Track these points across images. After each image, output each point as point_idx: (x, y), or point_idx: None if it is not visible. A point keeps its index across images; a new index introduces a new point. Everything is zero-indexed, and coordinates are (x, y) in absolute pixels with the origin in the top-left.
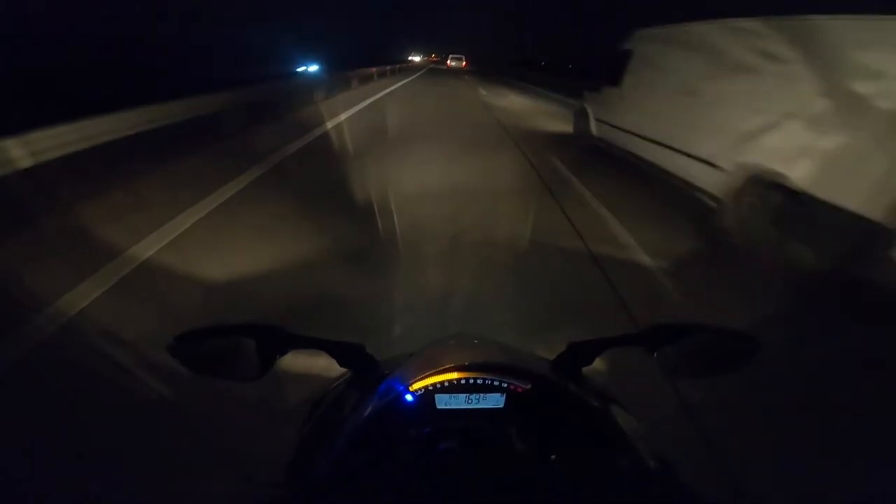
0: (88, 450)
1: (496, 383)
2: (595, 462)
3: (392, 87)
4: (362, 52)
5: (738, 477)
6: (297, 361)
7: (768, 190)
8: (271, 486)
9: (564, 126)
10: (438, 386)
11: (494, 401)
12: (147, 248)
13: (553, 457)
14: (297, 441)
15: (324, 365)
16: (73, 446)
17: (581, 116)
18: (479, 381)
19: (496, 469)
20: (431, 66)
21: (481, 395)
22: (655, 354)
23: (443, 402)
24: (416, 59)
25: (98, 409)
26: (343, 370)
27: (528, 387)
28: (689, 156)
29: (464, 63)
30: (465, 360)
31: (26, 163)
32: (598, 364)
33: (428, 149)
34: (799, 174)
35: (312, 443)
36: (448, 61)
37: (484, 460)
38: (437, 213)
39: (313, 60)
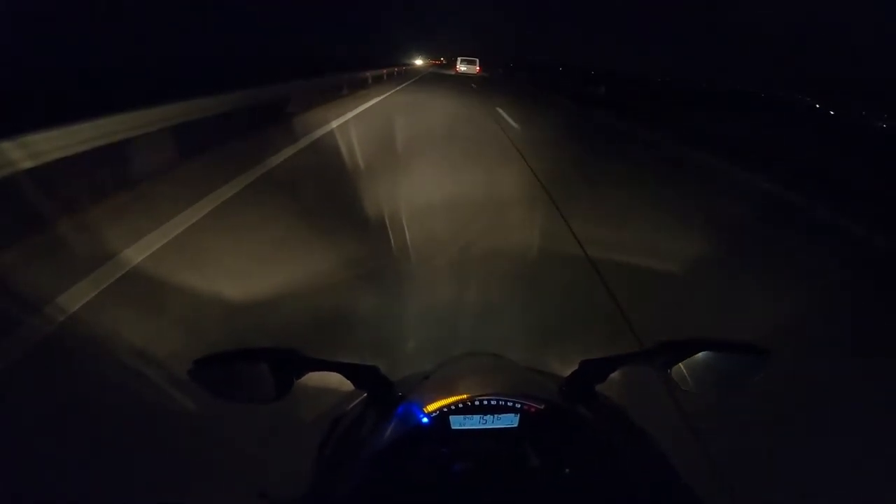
0: (95, 461)
1: (510, 404)
2: (608, 480)
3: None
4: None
5: (745, 493)
6: (310, 382)
7: None
8: (288, 503)
9: None
10: (453, 407)
11: (508, 421)
12: None
13: (566, 475)
14: (317, 463)
15: (336, 385)
16: (79, 457)
17: None
18: (493, 402)
19: (511, 488)
20: (433, 69)
21: (495, 415)
22: (668, 371)
23: (457, 422)
24: (419, 62)
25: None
26: (357, 391)
27: (542, 407)
28: None
29: (477, 69)
30: (480, 382)
31: None
32: (611, 381)
33: None
34: None
35: (333, 465)
36: (458, 66)
37: (499, 480)
38: None
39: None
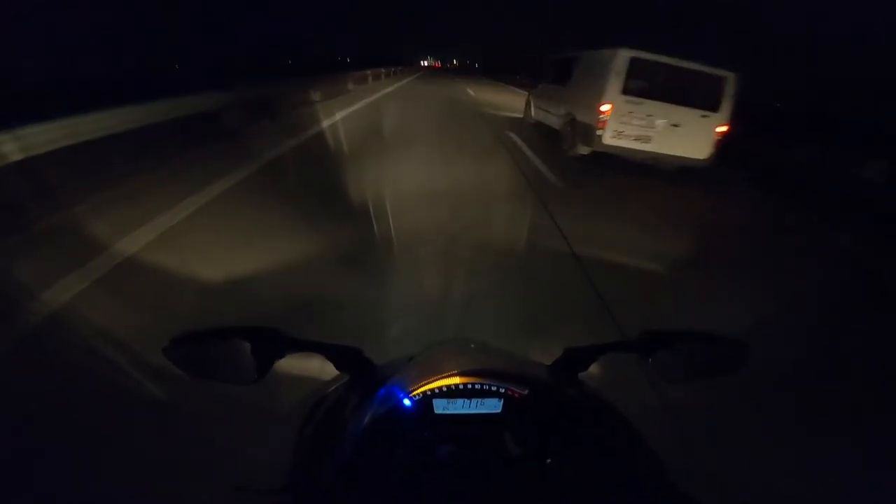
0: (75, 452)
1: (494, 388)
2: (591, 466)
3: None
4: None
5: (729, 480)
6: (291, 363)
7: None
8: (264, 494)
9: None
10: (437, 391)
11: (492, 406)
12: None
13: (549, 461)
14: (297, 446)
15: (318, 367)
16: (62, 447)
17: None
18: (476, 387)
19: (494, 474)
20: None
21: (479, 400)
22: (650, 360)
23: (441, 406)
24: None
25: (88, 408)
26: (339, 373)
27: (526, 392)
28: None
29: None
30: (464, 366)
31: None
32: (593, 369)
33: None
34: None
35: (313, 448)
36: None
37: (482, 465)
38: None
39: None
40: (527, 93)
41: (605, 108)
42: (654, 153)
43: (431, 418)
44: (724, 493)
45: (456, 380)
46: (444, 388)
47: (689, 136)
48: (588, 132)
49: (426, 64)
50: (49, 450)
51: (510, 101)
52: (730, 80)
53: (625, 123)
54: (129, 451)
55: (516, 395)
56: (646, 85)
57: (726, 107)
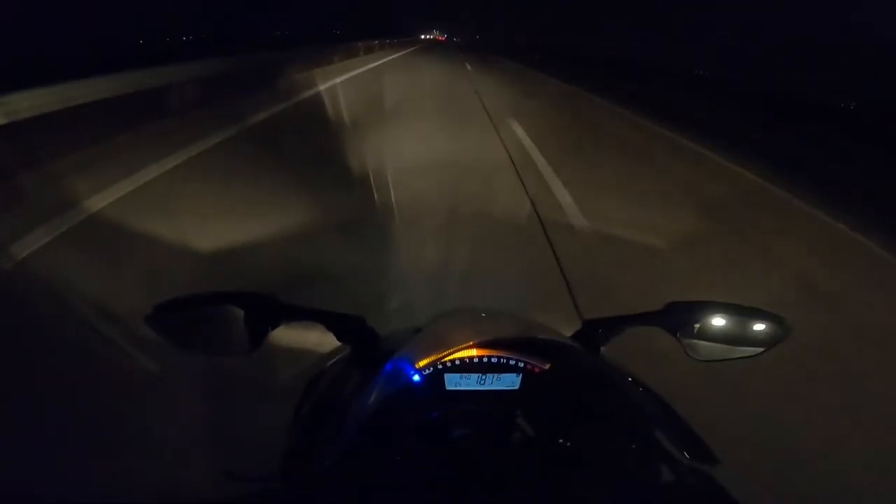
0: (49, 429)
1: (512, 362)
2: (613, 446)
3: None
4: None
5: (754, 466)
6: (287, 333)
7: None
8: (257, 480)
9: None
10: (448, 365)
11: (509, 382)
12: None
13: (567, 444)
14: (294, 426)
15: (316, 337)
16: (36, 423)
17: None
18: (493, 360)
19: (511, 457)
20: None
21: (495, 375)
22: (678, 334)
23: (453, 382)
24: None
25: (63, 380)
26: (340, 344)
27: (547, 367)
28: None
29: None
30: (479, 337)
31: None
32: (617, 343)
33: None
34: None
35: (312, 429)
36: None
37: (497, 448)
38: None
39: None
40: None
41: None
42: None
43: (442, 395)
44: (750, 476)
45: (471, 352)
46: (458, 362)
47: None
48: None
49: (432, 37)
50: (27, 425)
51: None
52: None
53: None
54: (107, 431)
55: (536, 370)
56: None
57: None
